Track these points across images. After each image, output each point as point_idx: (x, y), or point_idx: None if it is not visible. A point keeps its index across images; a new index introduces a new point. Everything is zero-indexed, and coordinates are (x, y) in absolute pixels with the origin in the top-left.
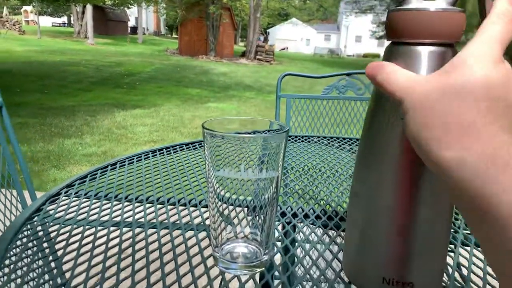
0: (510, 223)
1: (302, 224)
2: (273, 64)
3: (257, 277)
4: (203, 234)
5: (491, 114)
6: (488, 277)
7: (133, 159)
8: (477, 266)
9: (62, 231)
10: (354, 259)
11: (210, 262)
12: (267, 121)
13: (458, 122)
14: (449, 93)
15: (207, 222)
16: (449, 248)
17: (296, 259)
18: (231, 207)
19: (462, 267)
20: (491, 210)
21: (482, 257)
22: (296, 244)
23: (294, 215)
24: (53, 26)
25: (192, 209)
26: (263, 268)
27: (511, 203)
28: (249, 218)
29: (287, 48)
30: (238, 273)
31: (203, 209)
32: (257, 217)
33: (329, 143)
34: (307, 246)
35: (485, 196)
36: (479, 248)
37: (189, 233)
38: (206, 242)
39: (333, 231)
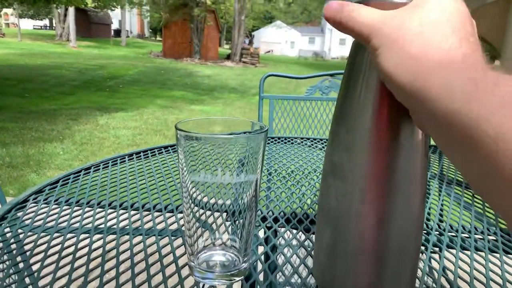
0: (501, 147)
1: (284, 229)
2: (258, 66)
3: (239, 285)
4: (179, 241)
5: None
6: (475, 282)
7: (108, 163)
8: (463, 270)
9: (26, 240)
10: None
11: (185, 271)
12: (248, 122)
13: (438, 47)
14: (425, 22)
15: (183, 228)
16: (433, 251)
17: (277, 266)
18: (208, 213)
19: (447, 271)
20: (482, 138)
21: (468, 260)
22: (277, 250)
23: (276, 220)
24: (34, 29)
25: (168, 215)
26: (242, 277)
27: (499, 125)
28: (227, 223)
29: (272, 51)
30: (215, 283)
31: (179, 215)
32: (236, 222)
33: (312, 144)
34: (289, 252)
35: (479, 122)
36: (465, 251)
37: (164, 241)
38: (182, 250)
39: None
